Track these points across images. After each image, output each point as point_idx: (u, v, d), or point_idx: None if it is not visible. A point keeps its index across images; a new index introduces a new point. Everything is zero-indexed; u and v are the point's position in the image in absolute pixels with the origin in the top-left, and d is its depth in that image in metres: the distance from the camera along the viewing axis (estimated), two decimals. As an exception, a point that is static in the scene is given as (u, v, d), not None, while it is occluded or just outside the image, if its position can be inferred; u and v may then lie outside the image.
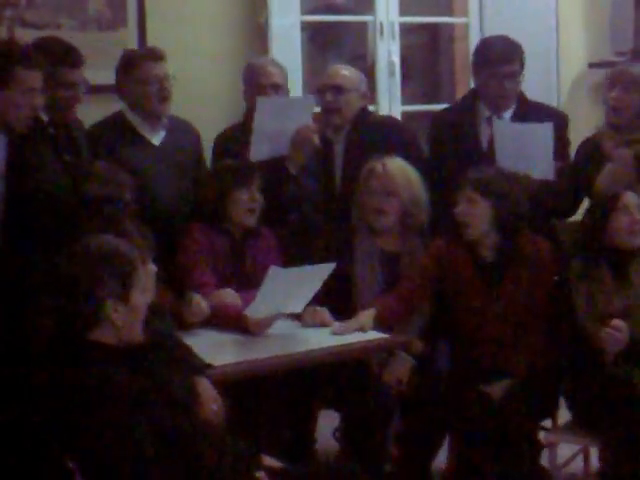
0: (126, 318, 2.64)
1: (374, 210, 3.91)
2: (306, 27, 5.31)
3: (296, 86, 4.76)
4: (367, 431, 3.63)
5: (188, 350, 3.07)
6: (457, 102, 4.75)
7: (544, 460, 3.70)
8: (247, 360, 3.33)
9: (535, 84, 4.50)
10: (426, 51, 6.72)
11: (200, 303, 3.55)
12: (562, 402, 3.72)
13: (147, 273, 2.80)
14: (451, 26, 6.13)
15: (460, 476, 3.69)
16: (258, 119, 3.93)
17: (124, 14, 4.53)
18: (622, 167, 3.81)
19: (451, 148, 4.29)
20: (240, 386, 3.36)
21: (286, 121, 3.98)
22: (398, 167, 3.94)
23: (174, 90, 3.98)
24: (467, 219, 3.71)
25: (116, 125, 3.99)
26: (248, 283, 3.76)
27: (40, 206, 3.45)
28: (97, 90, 3.92)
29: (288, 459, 3.06)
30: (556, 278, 3.78)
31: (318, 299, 3.60)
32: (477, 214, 3.70)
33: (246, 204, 3.85)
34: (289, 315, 3.66)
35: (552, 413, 3.75)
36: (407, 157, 4.01)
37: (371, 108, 4.79)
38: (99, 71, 3.95)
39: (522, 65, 4.25)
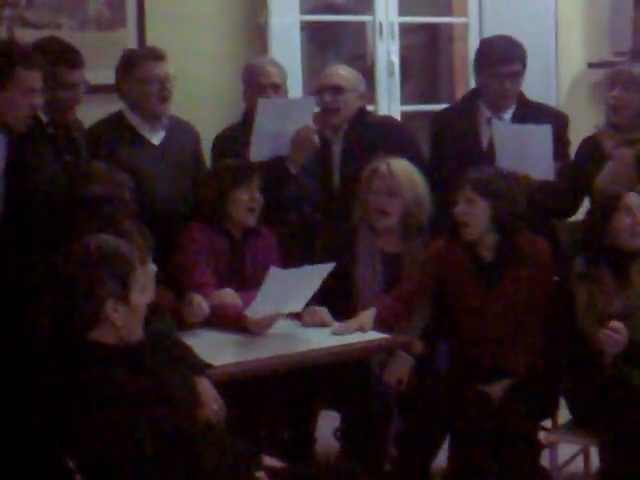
0: (126, 318, 2.64)
1: (377, 210, 3.91)
2: (305, 27, 5.30)
3: (295, 86, 4.75)
4: (367, 431, 3.63)
5: (188, 350, 3.07)
6: (457, 102, 4.74)
7: (544, 460, 3.70)
8: (247, 360, 3.32)
9: (534, 84, 4.50)
10: (425, 51, 6.72)
11: (200, 303, 3.55)
12: (562, 402, 3.72)
13: (147, 273, 2.80)
14: (450, 26, 6.14)
15: (460, 476, 3.68)
16: (259, 120, 3.93)
17: (123, 14, 4.54)
18: (622, 166, 3.81)
19: (451, 148, 4.29)
20: (240, 386, 3.36)
21: (287, 122, 3.97)
22: (402, 168, 3.93)
23: (174, 90, 3.97)
24: (466, 219, 3.71)
25: (116, 125, 3.98)
26: (248, 283, 3.76)
27: (39, 206, 3.44)
28: (97, 90, 3.90)
29: (288, 459, 3.07)
30: (556, 278, 3.78)
31: (318, 299, 3.61)
32: (476, 214, 3.70)
33: (246, 204, 3.85)
34: (289, 315, 3.66)
35: (552, 413, 3.75)
36: (405, 157, 4.00)
37: (370, 108, 4.79)
38: (99, 71, 3.94)
39: (524, 65, 4.24)
